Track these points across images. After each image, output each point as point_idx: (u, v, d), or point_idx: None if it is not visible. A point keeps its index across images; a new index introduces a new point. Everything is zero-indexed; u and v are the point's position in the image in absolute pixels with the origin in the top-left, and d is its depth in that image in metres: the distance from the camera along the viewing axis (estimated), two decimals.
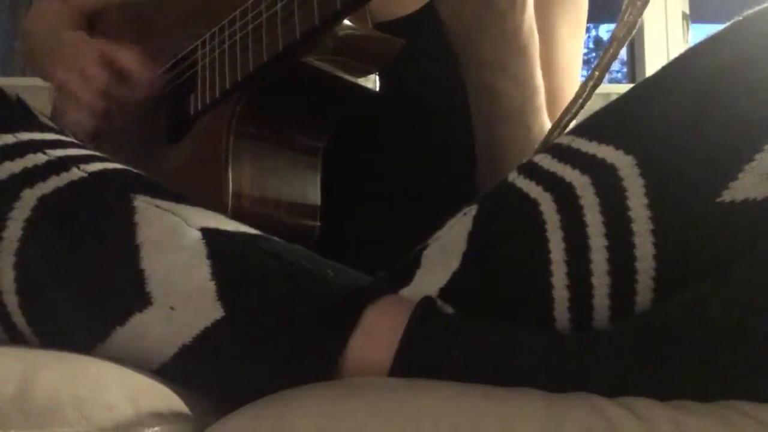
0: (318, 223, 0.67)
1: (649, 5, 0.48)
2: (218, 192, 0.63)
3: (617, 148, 0.41)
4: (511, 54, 0.57)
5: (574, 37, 0.77)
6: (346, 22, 0.60)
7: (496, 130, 0.61)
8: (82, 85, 0.72)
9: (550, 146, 0.46)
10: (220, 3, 0.67)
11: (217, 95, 0.66)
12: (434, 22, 0.57)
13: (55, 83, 0.76)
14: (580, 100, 0.48)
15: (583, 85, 0.48)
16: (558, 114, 0.54)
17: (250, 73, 0.62)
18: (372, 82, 0.65)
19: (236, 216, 0.50)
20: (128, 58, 0.72)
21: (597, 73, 0.48)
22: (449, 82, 0.61)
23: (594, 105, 0.49)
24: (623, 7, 0.48)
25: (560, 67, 0.74)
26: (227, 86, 0.65)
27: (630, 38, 0.48)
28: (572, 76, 0.77)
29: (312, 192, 0.68)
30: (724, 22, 0.42)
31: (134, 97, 0.72)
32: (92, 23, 0.91)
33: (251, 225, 0.48)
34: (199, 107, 0.69)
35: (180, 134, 0.72)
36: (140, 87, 0.72)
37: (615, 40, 0.47)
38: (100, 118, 0.73)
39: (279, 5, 0.59)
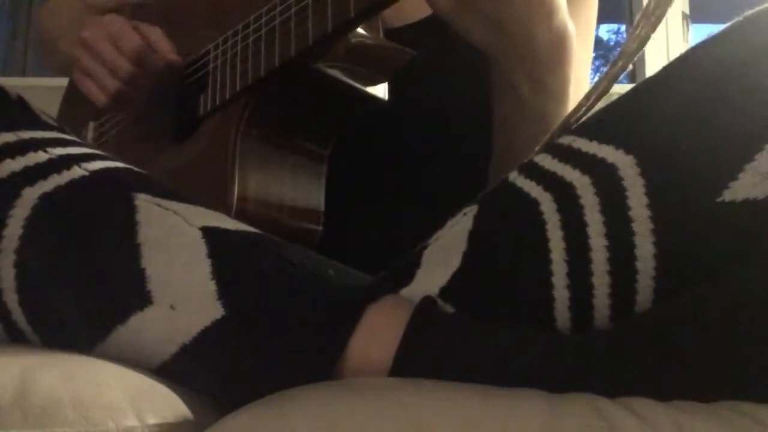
0: (320, 228, 0.67)
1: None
2: (223, 193, 0.63)
3: (617, 147, 0.41)
4: (540, 57, 0.56)
5: (582, 47, 0.77)
6: (359, 30, 0.60)
7: (515, 130, 0.61)
8: (112, 49, 0.71)
9: (551, 146, 0.46)
10: (234, 6, 0.68)
11: (227, 97, 0.66)
12: (444, 28, 0.57)
13: (78, 49, 0.74)
14: (584, 108, 0.48)
15: (588, 94, 0.48)
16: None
17: (261, 76, 0.62)
18: (381, 91, 0.65)
19: (240, 217, 0.50)
20: (158, 32, 0.71)
21: (605, 83, 0.47)
22: (457, 88, 0.61)
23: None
24: (636, 21, 0.48)
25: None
26: (237, 89, 0.65)
27: (640, 52, 0.47)
28: (581, 85, 0.76)
29: (316, 196, 0.68)
30: (724, 22, 0.42)
31: (160, 68, 0.71)
32: None
33: (254, 226, 0.48)
34: (209, 108, 0.69)
35: (187, 134, 0.72)
36: (168, 60, 0.71)
37: (625, 54, 0.47)
38: (125, 84, 0.72)
39: (293, 10, 0.59)
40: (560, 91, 0.58)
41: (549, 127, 0.58)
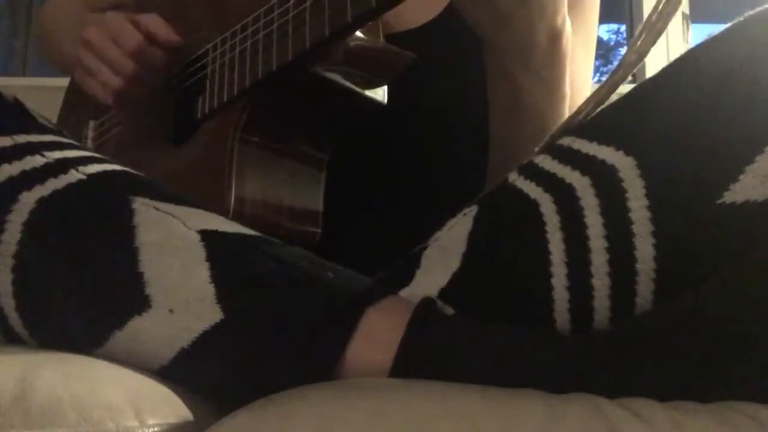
0: (319, 230, 0.67)
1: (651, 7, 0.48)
2: (221, 195, 0.63)
3: (617, 149, 0.41)
4: (537, 49, 0.57)
5: (584, 54, 0.77)
6: (358, 33, 0.60)
7: (511, 124, 0.61)
8: (114, 48, 0.72)
9: (551, 147, 0.46)
10: (233, 8, 0.68)
11: (225, 100, 0.66)
12: (445, 34, 0.57)
13: (80, 48, 0.75)
14: (583, 114, 0.48)
15: (588, 101, 0.48)
16: None
17: (259, 79, 0.62)
18: (380, 94, 0.65)
19: (238, 219, 0.50)
20: (157, 21, 0.71)
21: (604, 91, 0.47)
22: (457, 92, 0.61)
23: None
24: (638, 31, 0.48)
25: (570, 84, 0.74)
26: (235, 91, 0.65)
27: (639, 64, 0.48)
28: (582, 87, 0.76)
29: (314, 198, 0.68)
30: (724, 22, 0.43)
31: (163, 62, 0.71)
32: None
33: (252, 229, 0.48)
34: (206, 110, 0.69)
35: (185, 136, 0.72)
36: (169, 50, 0.71)
37: (625, 65, 0.47)
38: (127, 81, 0.72)
39: (291, 14, 0.59)
40: (556, 85, 0.59)
41: (545, 123, 0.59)
